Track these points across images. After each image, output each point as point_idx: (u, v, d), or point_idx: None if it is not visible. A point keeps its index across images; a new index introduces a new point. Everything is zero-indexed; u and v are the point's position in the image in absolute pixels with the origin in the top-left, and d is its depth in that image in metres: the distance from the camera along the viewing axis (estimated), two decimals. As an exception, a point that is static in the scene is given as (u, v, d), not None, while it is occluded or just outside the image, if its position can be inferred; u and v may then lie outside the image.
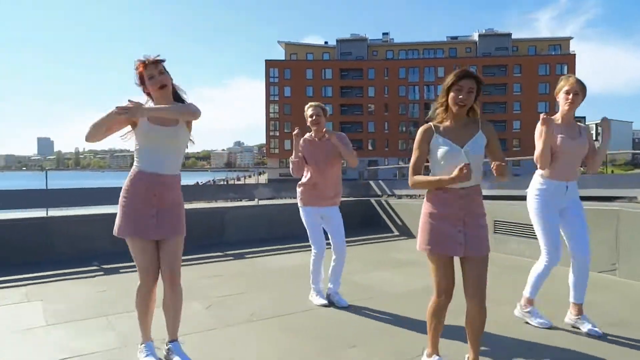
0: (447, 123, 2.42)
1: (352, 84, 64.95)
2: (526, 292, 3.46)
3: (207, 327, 3.42)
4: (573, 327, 3.35)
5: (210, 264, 5.73)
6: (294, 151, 3.86)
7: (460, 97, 2.31)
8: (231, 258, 6.02)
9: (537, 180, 3.37)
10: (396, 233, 7.80)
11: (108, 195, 5.79)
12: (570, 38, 65.97)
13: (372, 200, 8.52)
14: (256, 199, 7.74)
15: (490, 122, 2.53)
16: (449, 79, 2.34)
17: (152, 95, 2.61)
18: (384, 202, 8.19)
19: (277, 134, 65.31)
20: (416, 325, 3.35)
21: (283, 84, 65.06)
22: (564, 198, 3.30)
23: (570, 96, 3.21)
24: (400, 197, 8.84)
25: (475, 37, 66.39)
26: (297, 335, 3.27)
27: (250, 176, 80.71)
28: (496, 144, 2.43)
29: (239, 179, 68.20)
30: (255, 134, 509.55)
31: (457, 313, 2.71)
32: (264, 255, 6.25)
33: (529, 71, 61.82)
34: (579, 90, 3.21)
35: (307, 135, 3.99)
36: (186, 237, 2.71)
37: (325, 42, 71.58)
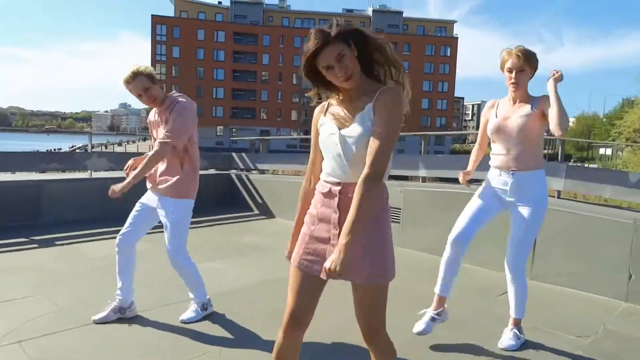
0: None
1: (246, 50, 62.55)
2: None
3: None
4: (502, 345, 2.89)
5: (29, 250, 4.59)
6: None
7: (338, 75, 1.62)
8: (36, 246, 4.87)
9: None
10: (256, 212, 7.13)
11: None
12: (455, 22, 69.88)
13: (233, 174, 7.73)
14: (89, 171, 6.51)
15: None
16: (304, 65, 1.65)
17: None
18: (244, 177, 7.43)
19: (164, 97, 61.04)
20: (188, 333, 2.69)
21: (172, 44, 60.55)
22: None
23: (514, 74, 2.64)
24: (263, 172, 8.15)
25: (370, 12, 67.39)
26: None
27: (134, 141, 75.22)
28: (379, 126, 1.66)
29: (120, 144, 63.26)
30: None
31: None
32: (89, 240, 5.20)
33: (417, 50, 64.50)
34: (525, 64, 2.62)
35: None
36: None
37: (219, 2, 67.71)
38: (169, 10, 64.19)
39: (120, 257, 2.99)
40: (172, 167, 2.93)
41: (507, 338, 2.83)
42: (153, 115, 3.03)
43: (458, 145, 67.64)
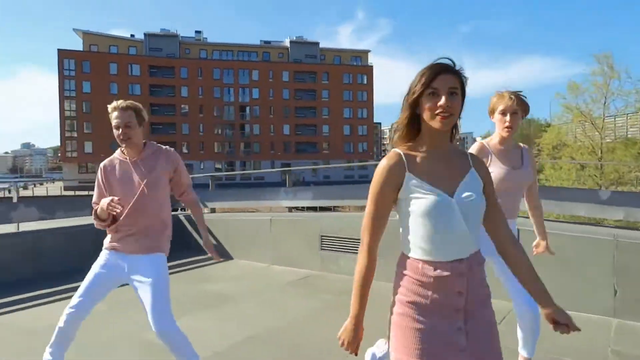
0: (422, 153, 1.43)
1: (163, 82, 60.77)
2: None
3: None
4: None
5: None
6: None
7: (441, 104, 1.35)
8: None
9: None
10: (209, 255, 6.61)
11: None
12: (369, 51, 73.14)
13: (181, 215, 7.16)
14: (16, 223, 5.66)
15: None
16: (418, 78, 1.39)
17: None
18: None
19: (75, 135, 57.26)
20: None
21: (81, 78, 57.37)
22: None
23: (508, 117, 2.46)
24: (213, 210, 7.65)
25: (287, 43, 68.62)
26: None
27: (42, 183, 69.27)
28: (492, 187, 1.50)
29: (26, 188, 57.76)
30: (49, 134, 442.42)
31: None
32: (17, 310, 4.43)
33: (335, 79, 66.53)
34: (518, 108, 2.46)
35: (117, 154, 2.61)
36: None
37: (132, 35, 65.56)
38: (76, 44, 61.00)
39: (61, 332, 2.45)
40: (160, 221, 2.53)
41: None
42: (119, 164, 2.56)
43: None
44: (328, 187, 7.43)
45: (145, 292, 2.42)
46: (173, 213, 7.33)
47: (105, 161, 2.58)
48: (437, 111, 1.35)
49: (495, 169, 2.48)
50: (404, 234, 1.42)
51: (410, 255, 1.40)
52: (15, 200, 5.83)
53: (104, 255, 2.54)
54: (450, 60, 1.39)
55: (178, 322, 2.45)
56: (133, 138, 2.48)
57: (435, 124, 1.37)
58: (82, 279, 2.50)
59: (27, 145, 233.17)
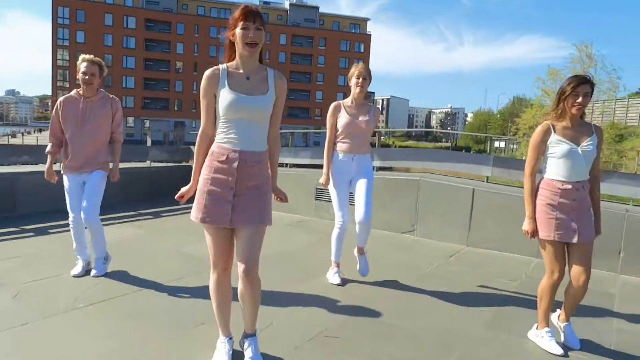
0: (564, 123, 2.75)
1: (158, 37, 60.26)
2: (332, 257, 3.93)
3: (21, 320, 2.87)
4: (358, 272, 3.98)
5: (5, 242, 4.79)
6: None
7: (578, 101, 2.66)
8: (31, 234, 5.12)
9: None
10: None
11: None
12: (368, 19, 72.87)
13: (192, 164, 8.17)
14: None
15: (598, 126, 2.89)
16: (566, 86, 2.69)
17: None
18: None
19: (67, 85, 56.97)
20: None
21: (75, 28, 56.68)
22: (351, 169, 3.79)
23: (360, 80, 3.72)
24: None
25: (287, 6, 68.03)
26: (136, 318, 3.01)
27: (29, 132, 68.62)
28: (600, 152, 2.78)
29: (14, 135, 57.57)
30: (35, 82, 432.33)
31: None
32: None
33: (333, 45, 66.49)
34: (367, 75, 3.74)
35: (73, 92, 3.71)
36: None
37: (128, -14, 64.27)
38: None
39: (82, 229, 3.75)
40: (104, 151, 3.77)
41: (362, 264, 3.92)
42: (75, 102, 3.64)
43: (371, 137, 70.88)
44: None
45: (87, 190, 3.65)
46: (184, 164, 8.42)
47: (63, 97, 3.72)
48: (576, 105, 2.68)
49: (342, 119, 3.80)
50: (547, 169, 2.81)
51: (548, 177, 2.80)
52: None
53: (68, 179, 3.69)
54: (590, 77, 2.77)
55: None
56: (94, 84, 3.61)
57: (573, 110, 2.69)
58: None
59: (12, 92, 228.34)
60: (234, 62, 2.25)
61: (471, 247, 5.27)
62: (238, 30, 2.16)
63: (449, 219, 5.50)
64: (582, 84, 2.64)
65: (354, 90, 3.76)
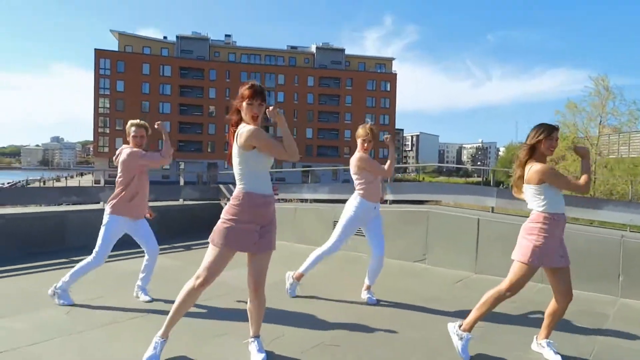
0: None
1: (192, 84, 63.27)
2: (302, 269, 4.46)
3: (72, 330, 3.42)
4: (363, 299, 4.39)
5: (56, 271, 5.42)
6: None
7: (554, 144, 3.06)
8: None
9: (357, 198, 4.33)
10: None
11: None
12: (393, 59, 74.56)
13: (223, 202, 8.80)
14: (101, 202, 7.39)
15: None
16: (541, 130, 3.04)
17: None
18: (234, 205, 8.51)
19: (107, 131, 60.11)
20: (273, 314, 3.86)
21: (116, 78, 60.22)
22: (372, 214, 4.32)
23: (366, 145, 4.28)
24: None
25: (313, 49, 70.52)
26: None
27: (72, 176, 72.18)
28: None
29: (58, 179, 60.73)
30: (78, 129, 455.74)
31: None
32: (116, 260, 6.11)
33: (359, 85, 68.07)
34: (372, 138, 4.26)
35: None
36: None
37: (165, 37, 68.37)
38: (111, 44, 63.94)
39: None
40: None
41: (372, 297, 4.34)
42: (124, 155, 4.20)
43: (400, 174, 71.14)
44: (341, 184, 8.99)
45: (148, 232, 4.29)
46: (213, 201, 9.03)
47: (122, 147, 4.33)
48: (550, 149, 3.06)
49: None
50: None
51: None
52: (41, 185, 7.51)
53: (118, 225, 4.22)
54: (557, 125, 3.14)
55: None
56: (143, 144, 4.27)
57: (547, 152, 3.10)
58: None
59: (56, 139, 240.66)
60: None
61: (479, 274, 5.56)
62: (245, 105, 2.76)
63: (457, 248, 5.84)
64: (555, 130, 3.06)
65: (360, 148, 4.32)
